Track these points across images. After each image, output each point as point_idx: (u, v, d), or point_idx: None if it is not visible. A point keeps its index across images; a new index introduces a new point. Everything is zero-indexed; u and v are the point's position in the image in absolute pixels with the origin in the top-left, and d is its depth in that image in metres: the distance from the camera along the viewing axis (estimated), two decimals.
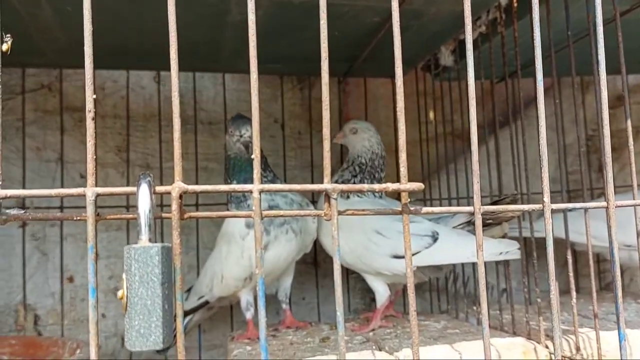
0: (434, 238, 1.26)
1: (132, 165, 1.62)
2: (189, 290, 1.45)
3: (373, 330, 1.30)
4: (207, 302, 1.40)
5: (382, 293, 1.34)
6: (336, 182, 1.41)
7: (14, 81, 1.55)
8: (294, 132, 1.76)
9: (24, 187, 1.51)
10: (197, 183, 1.62)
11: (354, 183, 1.40)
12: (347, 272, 1.66)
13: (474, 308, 1.51)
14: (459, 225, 1.31)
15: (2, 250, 1.53)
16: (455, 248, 1.26)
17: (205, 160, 1.68)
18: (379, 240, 1.30)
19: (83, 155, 1.59)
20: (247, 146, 1.25)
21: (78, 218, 0.53)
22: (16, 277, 1.53)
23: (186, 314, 1.41)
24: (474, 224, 1.28)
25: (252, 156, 0.57)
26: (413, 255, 1.25)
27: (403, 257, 1.25)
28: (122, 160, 1.63)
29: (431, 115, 1.70)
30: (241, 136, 1.26)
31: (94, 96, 0.53)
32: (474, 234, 0.61)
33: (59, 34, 1.22)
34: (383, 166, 1.47)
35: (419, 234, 1.25)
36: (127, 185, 1.60)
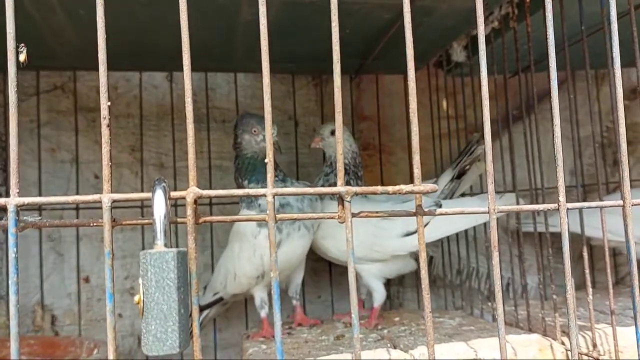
0: (439, 205, 1.28)
1: (145, 165, 1.62)
2: (205, 287, 1.46)
3: (377, 325, 1.32)
4: (221, 299, 1.41)
5: (379, 291, 1.37)
6: (322, 186, 1.41)
7: (27, 83, 1.56)
8: (308, 129, 1.74)
9: (39, 189, 1.52)
10: (210, 181, 1.62)
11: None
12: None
13: (489, 304, 1.51)
14: (445, 187, 1.34)
15: (18, 251, 1.54)
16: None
17: (219, 158, 1.66)
18: (387, 224, 1.32)
19: (97, 155, 1.60)
20: (278, 146, 1.26)
21: (94, 224, 0.54)
22: (33, 278, 1.54)
23: (202, 309, 1.44)
24: (458, 178, 1.32)
25: (266, 160, 0.57)
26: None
27: (414, 232, 1.29)
28: (135, 160, 1.63)
29: (444, 104, 1.69)
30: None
31: (109, 103, 0.54)
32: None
33: (73, 37, 1.23)
34: (361, 164, 1.48)
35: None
36: (142, 185, 1.61)
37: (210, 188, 1.60)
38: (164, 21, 1.14)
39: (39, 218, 0.51)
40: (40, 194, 1.52)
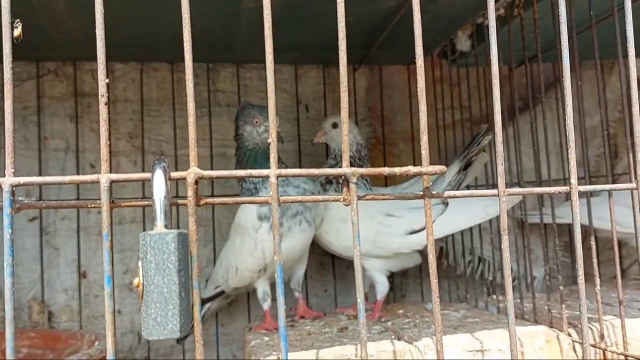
0: (445, 203, 1.26)
1: (144, 153, 1.56)
2: (206, 280, 1.45)
3: (380, 317, 1.31)
4: (223, 292, 1.40)
5: (383, 284, 1.36)
6: (327, 177, 1.40)
7: (20, 67, 1.50)
8: (319, 114, 1.69)
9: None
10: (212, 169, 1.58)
11: None
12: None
13: (494, 297, 1.49)
14: (452, 178, 1.32)
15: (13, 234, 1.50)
16: (469, 209, 1.26)
17: (223, 146, 1.61)
18: (392, 221, 1.31)
19: (93, 144, 1.54)
20: (280, 137, 1.24)
21: (93, 205, 0.52)
22: (27, 272, 1.49)
23: (203, 302, 1.42)
24: (464, 169, 1.31)
25: (269, 140, 0.55)
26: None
27: (419, 231, 1.28)
28: (134, 147, 1.57)
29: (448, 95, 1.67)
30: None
31: (107, 80, 0.52)
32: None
33: (73, 26, 1.22)
34: (367, 155, 1.46)
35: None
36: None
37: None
38: (165, 11, 1.12)
39: (34, 199, 0.49)
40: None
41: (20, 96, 1.50)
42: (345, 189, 0.56)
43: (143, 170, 1.55)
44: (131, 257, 1.56)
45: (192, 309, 0.51)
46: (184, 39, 0.52)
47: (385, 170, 0.56)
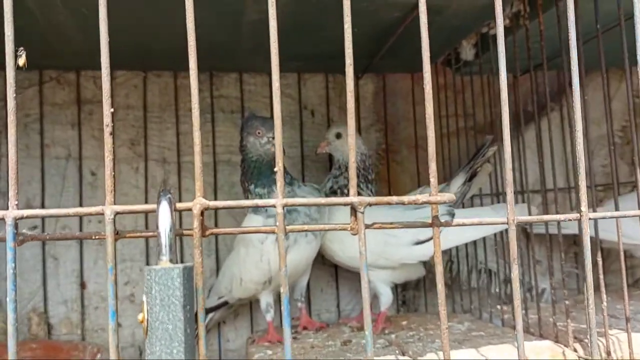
0: (451, 214, 1.25)
1: (147, 160, 1.53)
2: (210, 289, 1.44)
3: (384, 329, 1.30)
4: (227, 302, 1.39)
5: (387, 295, 1.36)
6: (331, 188, 1.39)
7: (22, 75, 1.47)
8: (325, 119, 1.66)
9: (32, 187, 1.47)
10: (215, 178, 1.56)
11: None
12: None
13: (498, 307, 1.48)
14: (457, 190, 1.32)
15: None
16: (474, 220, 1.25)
17: (227, 152, 1.58)
18: (397, 232, 1.29)
19: (94, 151, 1.51)
20: (282, 149, 1.22)
21: (97, 237, 0.51)
22: (27, 282, 1.45)
23: (207, 312, 1.41)
24: (469, 180, 1.30)
25: (275, 169, 0.54)
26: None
27: (425, 241, 1.27)
28: (135, 154, 1.54)
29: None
30: (273, 137, 1.21)
31: (112, 110, 0.51)
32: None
33: (76, 36, 1.21)
34: (372, 166, 1.45)
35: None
36: (145, 183, 1.53)
37: (216, 185, 1.56)
38: (169, 21, 1.11)
39: (36, 228, 0.48)
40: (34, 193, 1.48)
41: (22, 103, 1.48)
42: (352, 218, 0.55)
43: (145, 179, 1.54)
44: (132, 267, 1.53)
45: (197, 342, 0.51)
46: (189, 58, 0.51)
47: (394, 199, 0.55)
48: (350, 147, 0.56)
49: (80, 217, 1.47)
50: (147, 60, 1.46)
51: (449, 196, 0.56)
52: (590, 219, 0.60)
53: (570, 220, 0.61)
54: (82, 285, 1.49)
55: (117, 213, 0.50)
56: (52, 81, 1.52)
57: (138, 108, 1.55)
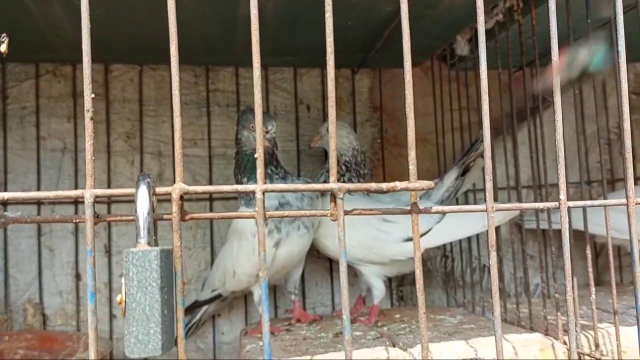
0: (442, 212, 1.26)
1: (142, 153, 1.54)
2: (203, 282, 1.45)
3: (377, 322, 1.30)
4: (220, 295, 1.40)
5: (380, 289, 1.36)
6: (325, 182, 1.39)
7: (18, 68, 1.49)
8: (321, 114, 1.67)
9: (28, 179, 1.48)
10: (211, 172, 1.57)
11: (343, 182, 1.39)
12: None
13: (490, 301, 1.48)
14: (450, 185, 1.32)
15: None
16: (468, 217, 1.25)
17: (223, 146, 1.58)
18: (388, 227, 1.30)
19: None
20: (275, 143, 1.23)
21: (77, 220, 0.52)
22: (22, 274, 1.47)
23: (200, 305, 1.42)
24: (462, 175, 1.30)
25: (255, 155, 0.55)
26: (426, 233, 1.26)
27: None
28: (131, 147, 1.55)
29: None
30: (267, 132, 1.21)
31: (93, 95, 0.52)
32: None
33: (70, 29, 1.21)
34: (365, 161, 1.46)
35: None
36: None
37: (211, 179, 1.56)
38: (164, 14, 1.12)
39: (19, 213, 0.49)
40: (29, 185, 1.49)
41: (19, 96, 1.49)
42: (332, 204, 0.56)
43: (140, 171, 1.55)
44: None
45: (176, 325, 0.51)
46: (171, 54, 0.52)
47: (372, 186, 0.56)
48: (330, 135, 0.57)
49: (76, 205, 1.48)
50: (143, 54, 1.46)
51: (427, 183, 0.56)
52: (569, 207, 0.60)
53: (549, 207, 0.61)
54: (78, 277, 1.50)
55: (96, 196, 0.51)
56: (48, 74, 1.52)
57: (134, 101, 1.56)
